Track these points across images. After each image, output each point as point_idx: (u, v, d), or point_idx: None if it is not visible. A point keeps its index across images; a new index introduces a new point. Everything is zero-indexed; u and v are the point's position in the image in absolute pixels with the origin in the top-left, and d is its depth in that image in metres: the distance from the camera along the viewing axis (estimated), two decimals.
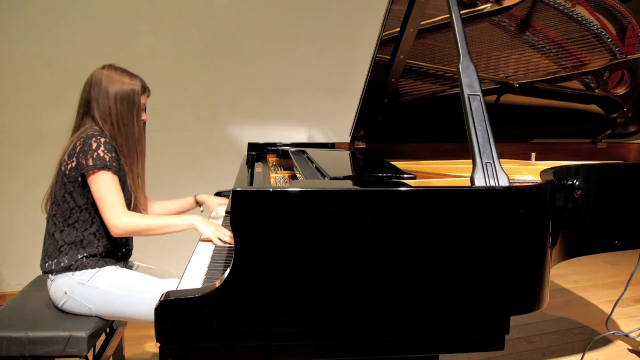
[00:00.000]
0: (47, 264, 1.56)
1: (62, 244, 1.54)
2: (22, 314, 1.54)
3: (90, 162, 1.46)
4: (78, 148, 1.49)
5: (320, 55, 3.31)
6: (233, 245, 1.15)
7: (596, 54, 2.17)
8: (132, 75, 1.62)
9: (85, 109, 1.59)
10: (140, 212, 1.68)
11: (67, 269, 1.54)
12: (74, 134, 1.59)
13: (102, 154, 1.48)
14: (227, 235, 1.56)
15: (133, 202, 1.63)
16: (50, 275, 1.57)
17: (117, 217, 1.47)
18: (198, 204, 1.99)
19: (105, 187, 1.48)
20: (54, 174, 1.58)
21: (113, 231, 1.49)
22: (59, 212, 1.55)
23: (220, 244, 1.55)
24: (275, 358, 1.19)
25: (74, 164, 1.49)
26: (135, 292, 1.53)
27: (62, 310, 1.56)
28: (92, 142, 1.49)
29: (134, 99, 1.58)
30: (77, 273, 1.54)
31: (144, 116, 1.66)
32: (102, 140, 1.50)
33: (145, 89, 1.64)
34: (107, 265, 1.61)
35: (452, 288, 1.18)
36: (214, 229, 1.56)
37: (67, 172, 1.51)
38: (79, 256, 1.54)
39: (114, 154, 1.52)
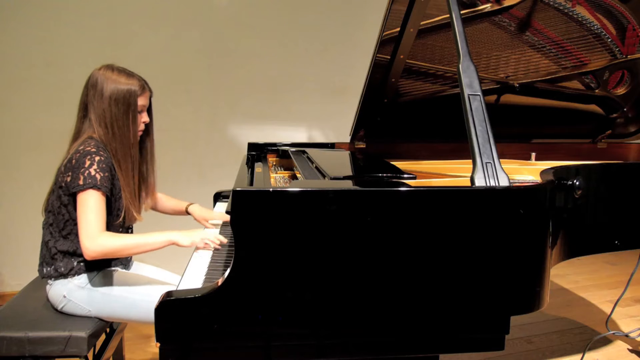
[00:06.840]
0: (45, 270, 1.55)
1: (55, 252, 1.52)
2: (22, 314, 1.53)
3: (81, 182, 1.41)
4: (73, 162, 1.44)
5: (321, 55, 3.31)
6: (232, 246, 1.15)
7: (596, 54, 2.17)
8: (130, 74, 1.55)
9: (84, 112, 1.54)
10: (132, 221, 1.62)
11: (65, 275, 1.53)
12: (74, 141, 1.54)
13: (93, 173, 1.42)
14: (215, 238, 1.53)
15: (123, 214, 1.56)
16: (48, 280, 1.56)
17: (91, 237, 1.39)
18: (188, 213, 1.93)
19: (88, 205, 1.41)
20: (53, 180, 1.54)
21: (86, 253, 1.40)
22: (55, 223, 1.52)
23: (211, 248, 1.53)
24: (275, 358, 1.19)
25: (68, 179, 1.45)
26: (134, 295, 1.53)
27: (61, 312, 1.55)
28: (87, 159, 1.43)
29: (130, 100, 1.51)
30: (76, 277, 1.53)
31: (144, 118, 1.59)
32: (97, 158, 1.45)
33: (144, 89, 1.56)
34: (105, 268, 1.60)
35: (452, 288, 1.18)
36: (196, 238, 1.52)
37: (62, 184, 1.47)
38: (75, 263, 1.53)
39: (107, 173, 1.45)
